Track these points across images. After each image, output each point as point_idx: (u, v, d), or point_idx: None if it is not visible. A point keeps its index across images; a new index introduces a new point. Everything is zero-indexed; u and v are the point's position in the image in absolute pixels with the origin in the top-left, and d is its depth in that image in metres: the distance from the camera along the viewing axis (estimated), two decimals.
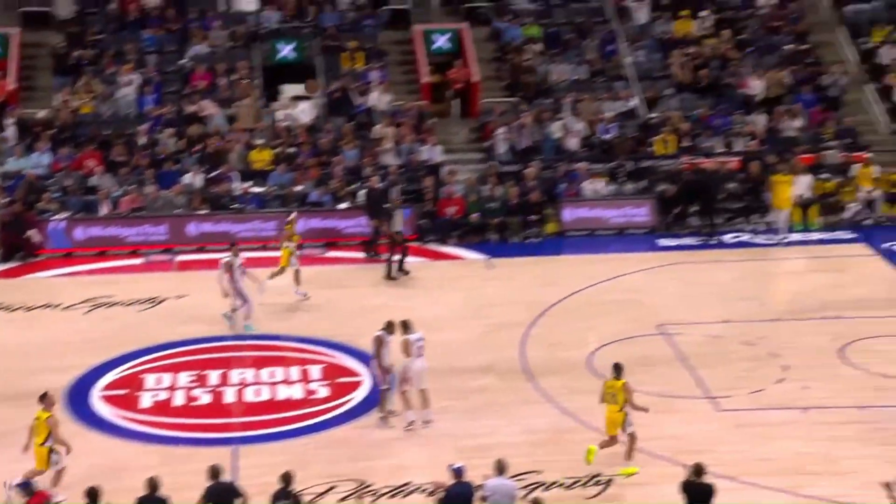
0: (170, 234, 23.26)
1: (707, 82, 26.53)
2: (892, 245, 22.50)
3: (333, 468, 14.33)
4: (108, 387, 16.91)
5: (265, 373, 17.30)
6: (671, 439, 14.62)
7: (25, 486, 12.82)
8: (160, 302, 20.27)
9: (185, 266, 22.52)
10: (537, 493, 13.15)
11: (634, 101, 26.28)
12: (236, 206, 23.84)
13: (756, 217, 23.89)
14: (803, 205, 23.74)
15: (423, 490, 13.57)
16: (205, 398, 16.60)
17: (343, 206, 23.69)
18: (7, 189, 23.52)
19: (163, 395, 16.66)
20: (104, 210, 23.51)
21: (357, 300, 20.21)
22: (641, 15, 28.30)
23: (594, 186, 24.18)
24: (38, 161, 24.30)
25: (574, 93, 26.15)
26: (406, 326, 15.44)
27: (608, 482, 13.83)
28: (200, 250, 23.07)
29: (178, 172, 24.19)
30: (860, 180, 24.23)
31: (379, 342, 15.37)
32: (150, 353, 18.00)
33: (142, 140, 24.86)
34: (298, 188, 24.00)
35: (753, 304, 19.61)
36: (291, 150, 24.93)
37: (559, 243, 23.51)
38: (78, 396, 16.41)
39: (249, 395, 16.66)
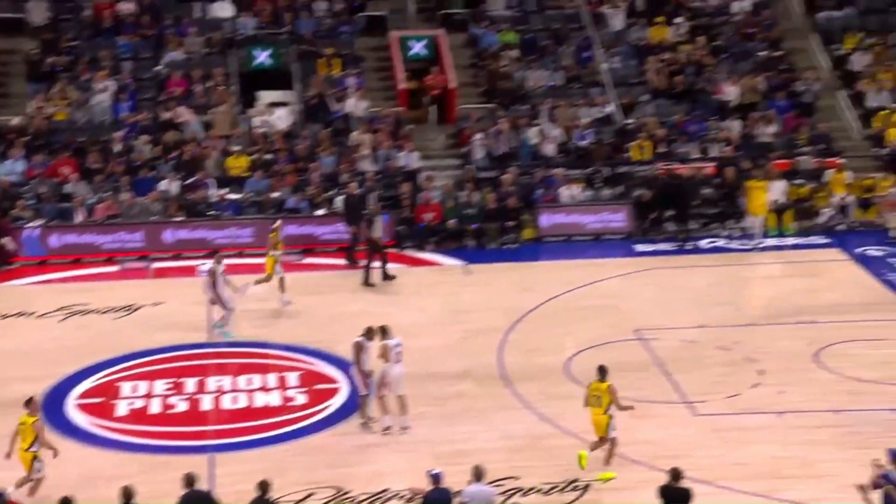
0: (146, 241, 23.15)
1: (682, 88, 26.70)
2: (865, 250, 22.69)
3: (311, 475, 14.29)
4: (84, 395, 16.79)
5: (242, 380, 17.23)
6: (648, 444, 14.68)
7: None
8: (136, 309, 20.16)
9: (161, 273, 22.41)
10: (515, 499, 13.16)
11: (610, 108, 26.40)
12: (213, 212, 23.75)
13: (731, 222, 24.03)
14: (778, 210, 23.91)
15: (402, 496, 13.56)
16: (181, 406, 16.51)
17: (320, 212, 23.66)
18: None
19: (139, 403, 16.56)
20: (79, 217, 23.37)
21: (335, 306, 20.18)
22: (617, 21, 28.44)
23: (571, 192, 24.27)
24: (11, 168, 24.13)
25: (550, 99, 26.24)
26: (384, 332, 15.44)
27: (586, 487, 13.86)
28: (177, 257, 22.98)
29: (154, 179, 24.09)
30: (833, 186, 24.43)
31: (359, 348, 15.36)
32: (125, 361, 17.90)
33: (117, 147, 24.73)
34: (275, 195, 23.95)
35: (729, 309, 19.73)
36: (268, 156, 24.88)
37: (536, 249, 23.57)
38: (53, 405, 16.28)
39: (226, 403, 16.59)
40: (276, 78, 26.73)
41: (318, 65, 26.82)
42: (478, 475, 12.40)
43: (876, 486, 11.87)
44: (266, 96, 26.50)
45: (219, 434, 15.60)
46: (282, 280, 19.94)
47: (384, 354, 15.33)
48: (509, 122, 25.50)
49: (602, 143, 25.42)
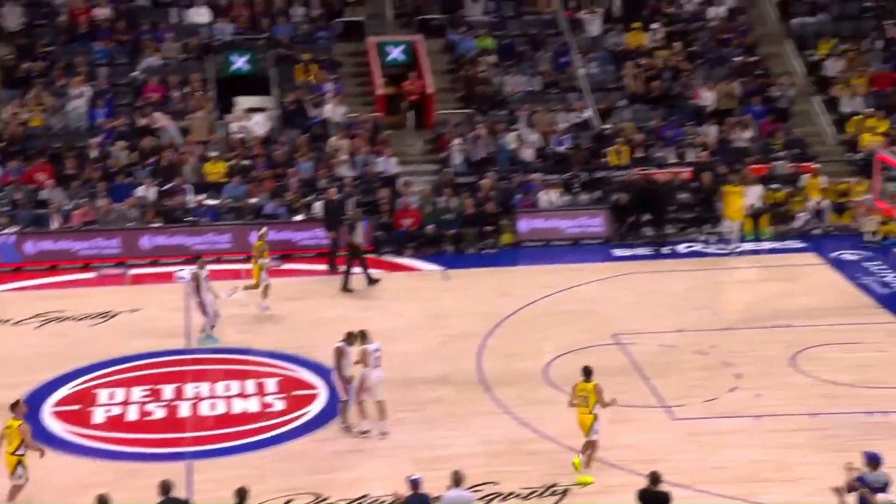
0: (123, 247, 23.03)
1: (659, 94, 26.83)
2: (841, 254, 22.87)
3: (290, 481, 14.26)
4: (60, 402, 16.69)
5: (220, 386, 17.17)
6: (626, 448, 14.73)
7: None
8: (113, 316, 20.06)
9: (138, 280, 22.30)
10: None
11: (588, 113, 26.50)
12: (190, 218, 23.67)
13: (708, 227, 24.17)
14: (754, 215, 24.06)
15: (381, 502, 13.53)
16: (159, 413, 16.43)
17: (298, 218, 23.62)
18: None
19: (116, 410, 16.47)
20: (55, 224, 23.23)
21: (313, 312, 20.15)
22: (594, 27, 28.56)
23: (549, 197, 24.33)
24: None
25: (528, 104, 26.31)
26: (364, 336, 15.46)
27: (564, 492, 13.90)
28: (154, 264, 22.87)
29: (131, 185, 23.98)
30: (809, 191, 24.61)
31: (339, 353, 15.36)
32: (102, 368, 17.79)
33: (93, 153, 24.61)
34: (253, 200, 23.89)
35: (706, 314, 19.83)
36: (246, 162, 24.81)
37: (515, 254, 23.62)
38: (29, 413, 16.00)
39: (204, 409, 16.52)
40: (253, 83, 26.66)
41: (295, 70, 26.79)
42: (457, 480, 12.41)
43: (851, 488, 11.96)
44: (243, 102, 26.43)
45: (197, 441, 15.53)
46: (266, 287, 19.92)
47: (363, 359, 15.34)
48: (487, 128, 25.55)
49: (580, 149, 25.51)
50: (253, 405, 16.58)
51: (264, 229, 20.86)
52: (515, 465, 14.50)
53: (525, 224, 24.02)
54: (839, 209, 24.51)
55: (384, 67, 27.22)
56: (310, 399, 16.68)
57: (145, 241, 23.11)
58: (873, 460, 12.13)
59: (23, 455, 13.49)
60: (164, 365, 17.99)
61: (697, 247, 23.63)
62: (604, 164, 25.28)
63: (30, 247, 22.83)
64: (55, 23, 27.56)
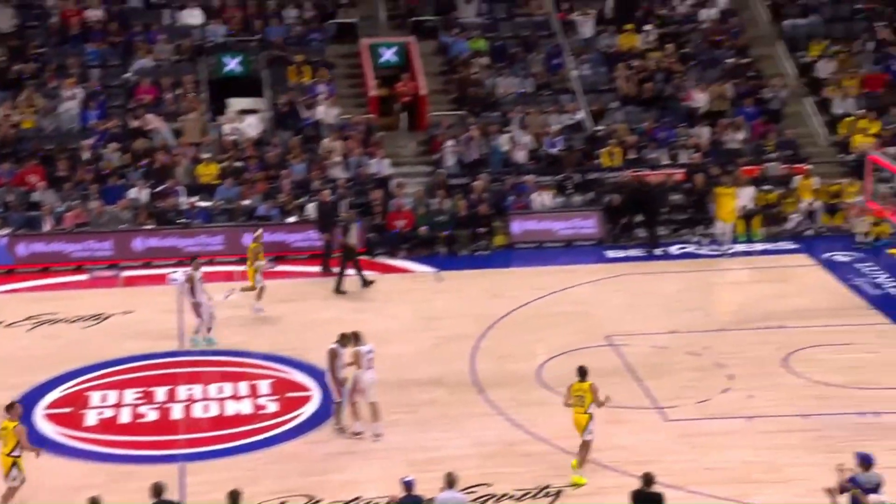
0: (115, 249, 22.99)
1: (651, 95, 26.88)
2: (833, 255, 22.94)
3: (283, 483, 14.25)
4: (52, 405, 16.66)
5: (213, 388, 17.16)
6: (620, 450, 14.75)
7: None
8: (105, 318, 20.02)
9: (130, 282, 22.27)
10: None
11: (580, 114, 26.53)
12: (183, 220, 23.64)
13: (700, 229, 24.21)
14: (746, 216, 24.12)
15: None
16: (151, 415, 16.42)
17: (291, 219, 23.61)
18: None
19: (108, 413, 16.44)
20: (47, 226, 23.18)
21: (306, 314, 20.14)
22: (586, 29, 28.60)
23: (542, 199, 24.35)
24: None
25: (521, 106, 26.33)
26: (357, 338, 15.48)
27: (558, 493, 13.92)
28: (147, 265, 22.84)
29: (124, 187, 23.94)
30: (801, 192, 24.68)
31: (333, 355, 15.38)
32: (95, 371, 17.76)
33: (86, 155, 24.56)
34: (246, 202, 23.87)
35: (699, 315, 19.87)
36: (238, 164, 24.79)
37: (508, 256, 23.63)
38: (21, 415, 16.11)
39: (198, 411, 16.50)
40: (246, 85, 26.63)
41: (288, 72, 26.78)
42: (450, 482, 12.42)
43: (843, 489, 12.00)
44: (236, 103, 26.40)
45: (189, 443, 15.51)
46: (261, 289, 19.91)
47: (356, 361, 15.35)
48: (480, 129, 25.56)
49: (572, 150, 25.54)
50: (246, 407, 16.56)
51: (259, 231, 20.85)
52: (509, 467, 14.52)
53: (518, 226, 24.04)
54: (831, 210, 24.58)
55: (377, 69, 27.22)
56: (303, 401, 16.67)
57: (138, 243, 23.08)
58: (865, 461, 12.16)
59: (18, 457, 13.48)
60: (156, 367, 17.95)
61: (690, 248, 23.67)
62: (596, 166, 25.31)
63: (22, 249, 22.78)
64: (47, 24, 27.50)
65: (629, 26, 28.29)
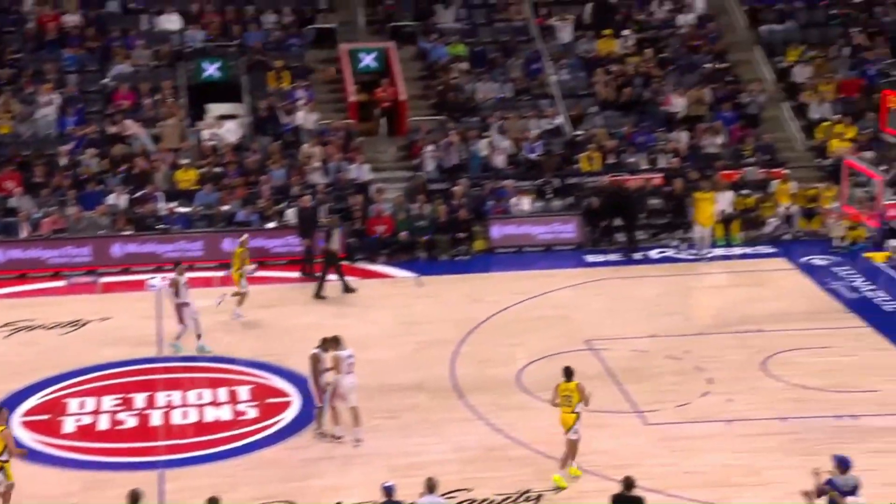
0: (93, 255, 22.87)
1: (630, 100, 26.99)
2: (810, 259, 23.09)
3: (263, 489, 14.20)
4: (29, 412, 16.54)
5: (192, 394, 17.08)
6: (600, 454, 14.78)
7: None
8: (83, 325, 19.91)
9: (109, 288, 22.15)
10: None
11: (560, 119, 26.60)
12: (162, 226, 23.54)
13: (680, 233, 24.32)
14: (725, 220, 24.24)
15: None
16: (130, 421, 16.33)
17: (271, 225, 23.56)
18: None
19: (86, 420, 16.34)
20: (24, 232, 23.03)
21: (286, 319, 20.09)
22: (565, 34, 28.70)
23: (521, 204, 24.40)
24: None
25: (500, 111, 26.39)
26: (337, 342, 15.46)
27: (538, 498, 13.93)
28: (125, 272, 22.72)
29: (102, 193, 23.83)
30: (779, 196, 24.83)
31: (315, 360, 15.35)
32: (72, 377, 17.66)
33: (63, 161, 24.43)
34: (225, 208, 23.80)
35: (678, 319, 19.95)
36: (218, 169, 24.72)
37: (488, 260, 23.66)
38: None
39: (177, 418, 16.43)
40: (225, 90, 26.57)
41: (267, 77, 26.73)
42: (430, 487, 12.41)
43: (821, 492, 12.08)
44: (215, 109, 26.34)
45: (169, 449, 15.44)
46: (243, 295, 19.86)
47: (336, 365, 15.33)
48: (459, 134, 25.60)
49: (552, 155, 25.61)
50: (225, 413, 16.50)
51: (245, 236, 20.80)
52: (489, 472, 14.52)
53: (498, 230, 24.07)
54: (808, 214, 24.74)
55: (356, 74, 27.22)
56: (283, 407, 16.62)
57: (116, 249, 22.97)
58: (843, 464, 12.24)
59: (6, 462, 13.36)
60: (135, 373, 17.86)
61: (669, 252, 23.77)
62: (576, 171, 25.39)
63: None
64: (23, 30, 27.35)
65: (607, 31, 28.42)
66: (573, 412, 14.19)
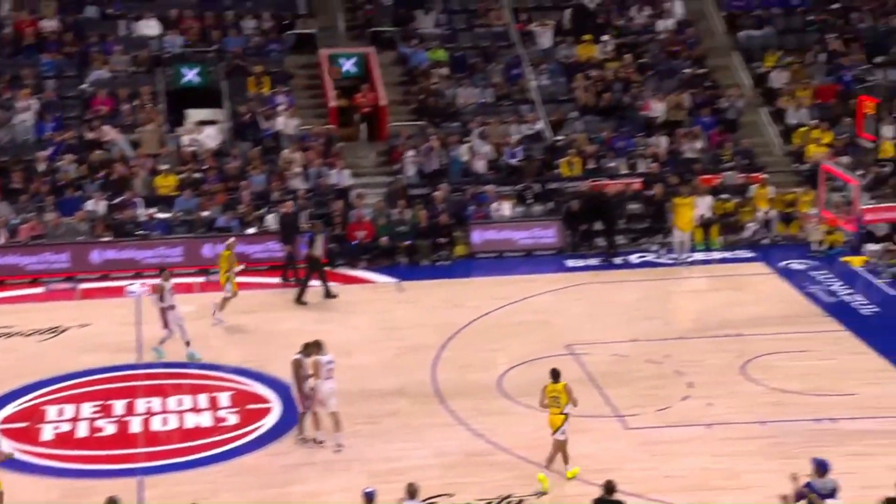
0: (72, 261, 22.74)
1: (610, 105, 27.09)
2: (788, 264, 23.22)
3: (244, 496, 14.16)
4: (7, 420, 16.42)
5: (172, 401, 17.01)
6: (581, 458, 14.80)
7: None
8: (62, 331, 19.79)
9: (88, 294, 22.03)
10: None
11: (540, 125, 26.67)
12: (141, 232, 23.44)
13: (659, 237, 24.42)
14: (704, 225, 24.36)
15: None
16: (109, 428, 16.24)
17: (251, 230, 23.50)
18: None
19: (65, 427, 16.24)
20: (1, 239, 22.88)
21: (267, 325, 20.04)
22: (545, 39, 28.78)
23: (502, 209, 24.44)
24: None
25: (481, 116, 26.43)
26: (319, 347, 15.44)
27: (520, 502, 13.94)
28: (104, 278, 22.61)
29: (80, 199, 23.70)
30: (757, 201, 24.97)
31: (297, 365, 15.32)
32: (51, 384, 17.55)
33: (41, 166, 24.29)
34: (205, 213, 23.72)
35: (658, 324, 20.02)
36: (197, 175, 24.64)
37: (468, 265, 23.68)
38: None
39: (156, 425, 16.35)
40: (204, 96, 26.49)
41: (247, 83, 26.67)
42: (411, 493, 12.41)
43: (800, 496, 12.14)
44: (195, 114, 26.24)
45: (149, 456, 15.36)
46: (225, 300, 19.80)
47: (316, 371, 15.31)
48: (440, 140, 25.62)
49: (532, 160, 25.66)
50: (206, 420, 16.44)
51: (232, 240, 20.74)
52: (470, 477, 14.53)
53: (478, 235, 24.10)
54: (786, 219, 24.89)
55: (336, 80, 27.18)
56: (263, 413, 16.57)
57: (95, 256, 22.85)
58: (821, 467, 12.32)
59: None
60: (115, 380, 17.77)
61: (649, 257, 23.86)
62: (556, 176, 25.46)
63: None
64: (1, 35, 27.18)
65: (587, 37, 28.51)
66: (561, 413, 14.23)
